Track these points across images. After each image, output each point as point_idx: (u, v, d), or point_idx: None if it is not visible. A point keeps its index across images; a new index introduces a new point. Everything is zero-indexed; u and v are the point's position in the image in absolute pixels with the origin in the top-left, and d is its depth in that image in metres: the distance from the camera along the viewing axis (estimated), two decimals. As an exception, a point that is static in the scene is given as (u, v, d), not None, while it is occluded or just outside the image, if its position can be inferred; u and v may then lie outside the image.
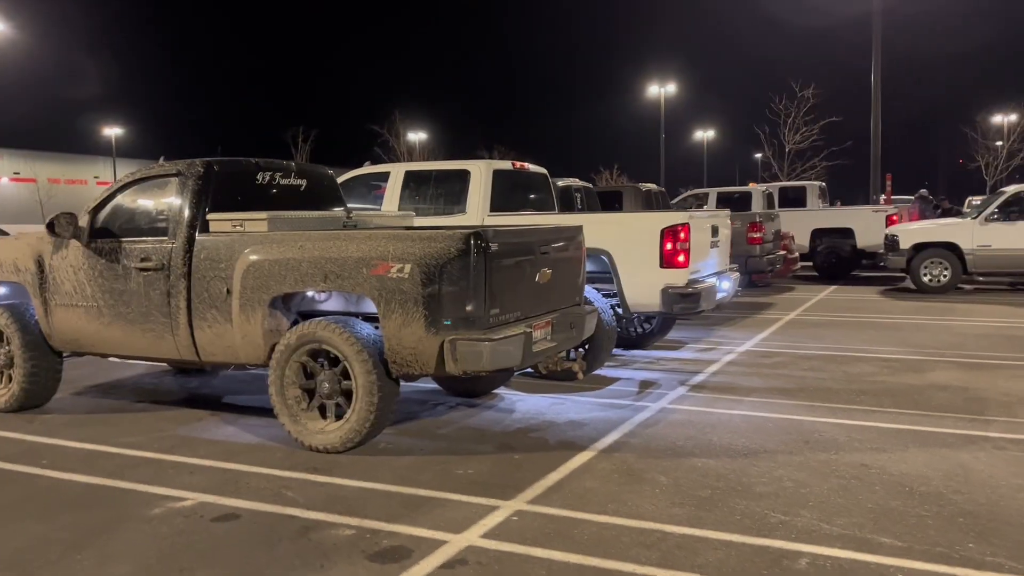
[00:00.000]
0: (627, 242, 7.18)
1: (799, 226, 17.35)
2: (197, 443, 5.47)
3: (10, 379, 6.41)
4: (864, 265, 18.34)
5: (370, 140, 46.83)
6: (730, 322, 10.90)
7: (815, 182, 21.04)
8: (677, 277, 7.06)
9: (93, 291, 5.99)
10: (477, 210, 8.00)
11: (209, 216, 5.69)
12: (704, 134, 73.33)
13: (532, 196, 9.00)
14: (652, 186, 14.77)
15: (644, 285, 7.12)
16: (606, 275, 7.29)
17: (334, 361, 5.19)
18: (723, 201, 18.81)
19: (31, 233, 6.46)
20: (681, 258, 7.05)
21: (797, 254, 16.59)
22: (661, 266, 7.06)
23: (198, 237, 5.64)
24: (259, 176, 6.20)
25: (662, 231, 7.04)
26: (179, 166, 5.89)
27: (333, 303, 5.80)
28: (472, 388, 6.65)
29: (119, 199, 6.11)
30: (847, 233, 17.22)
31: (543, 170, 9.22)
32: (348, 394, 5.16)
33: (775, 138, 30.95)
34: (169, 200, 5.88)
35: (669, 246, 7.03)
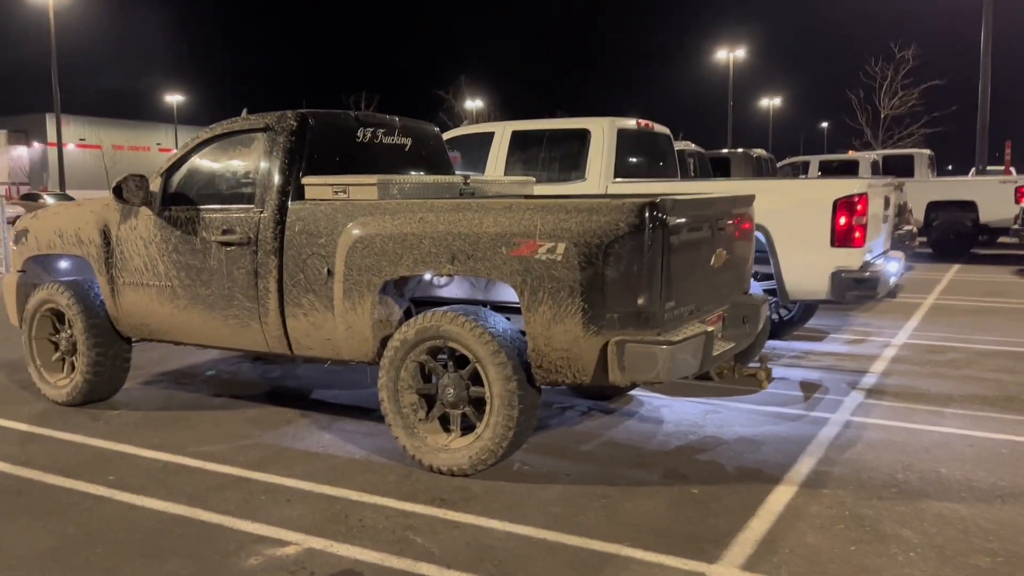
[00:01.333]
0: (789, 216, 5.98)
1: (911, 199, 15.78)
2: (290, 456, 4.50)
3: (72, 367, 5.54)
4: (981, 242, 16.71)
5: (434, 105, 45.80)
6: (863, 307, 9.59)
7: (923, 150, 19.28)
8: (851, 258, 5.85)
9: (166, 268, 5.05)
10: (599, 176, 6.86)
11: (305, 180, 4.67)
12: (770, 102, 70.48)
13: (657, 160, 7.81)
14: (762, 152, 13.41)
15: (809, 267, 5.93)
16: (760, 255, 6.10)
17: (460, 361, 4.16)
18: (825, 170, 17.29)
19: (96, 199, 5.54)
20: (857, 235, 5.83)
21: (916, 229, 15.08)
22: (832, 245, 5.84)
23: (291, 205, 4.63)
24: (359, 133, 5.15)
25: (835, 203, 5.82)
26: (267, 119, 4.86)
27: (453, 289, 4.75)
28: (603, 388, 5.58)
29: (196, 160, 5.13)
30: (968, 207, 15.61)
31: (667, 130, 8.02)
32: (478, 403, 4.13)
33: (869, 104, 28.90)
34: (255, 161, 4.87)
35: (843, 220, 5.81)
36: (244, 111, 5.31)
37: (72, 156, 58.85)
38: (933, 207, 15.98)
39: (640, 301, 3.75)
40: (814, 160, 17.14)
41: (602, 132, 6.98)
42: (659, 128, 7.82)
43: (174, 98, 72.88)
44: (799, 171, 17.65)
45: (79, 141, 63.23)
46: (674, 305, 3.92)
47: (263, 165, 4.79)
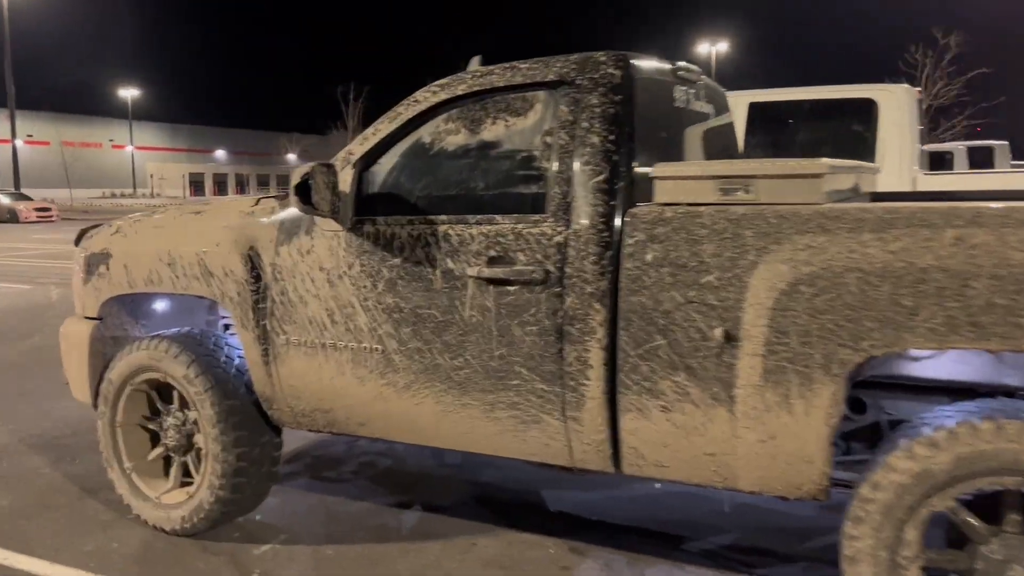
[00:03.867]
0: None
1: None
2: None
3: (185, 472, 3.50)
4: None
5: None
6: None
7: (1002, 141, 17.87)
8: None
9: (373, 320, 3.02)
10: (899, 164, 4.92)
11: (658, 169, 2.67)
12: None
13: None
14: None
15: None
16: None
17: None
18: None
19: (228, 204, 3.47)
20: None
21: None
22: None
23: (629, 215, 2.63)
24: (677, 94, 3.16)
25: None
26: (559, 68, 2.86)
27: (946, 364, 2.73)
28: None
29: (415, 141, 3.09)
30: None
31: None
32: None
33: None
34: (538, 138, 2.86)
35: None
36: (474, 60, 3.29)
37: (22, 153, 55.38)
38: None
39: None
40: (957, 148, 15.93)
41: (897, 104, 5.05)
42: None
43: (128, 92, 69.52)
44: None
45: (27, 137, 59.59)
46: None
47: (559, 144, 2.78)
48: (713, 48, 46.52)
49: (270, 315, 3.23)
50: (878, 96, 5.17)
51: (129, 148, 71.19)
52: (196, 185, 75.91)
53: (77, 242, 3.84)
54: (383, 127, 3.13)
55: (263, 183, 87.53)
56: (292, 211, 3.22)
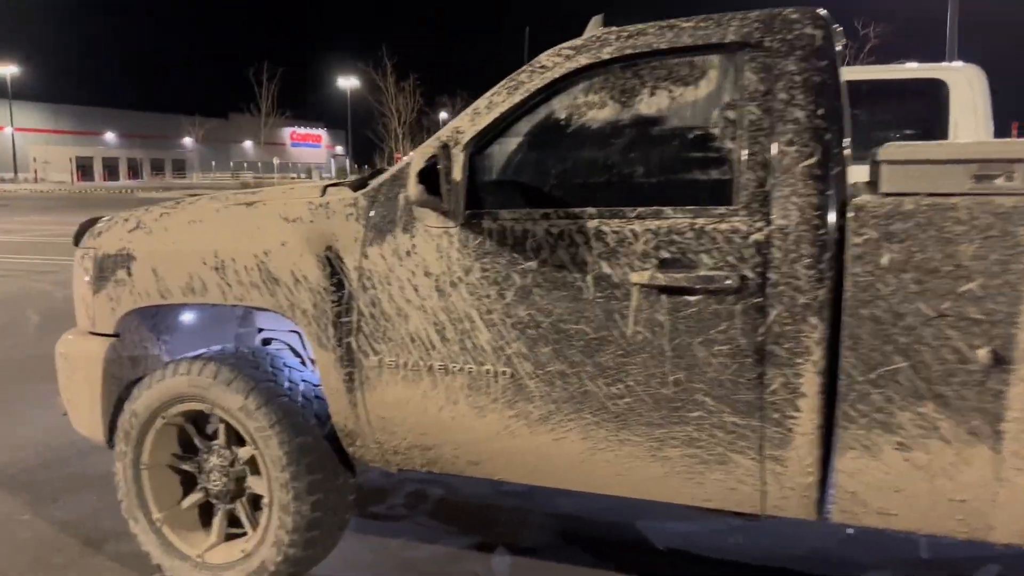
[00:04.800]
0: None
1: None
2: None
3: (232, 523, 2.84)
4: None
5: (362, 77, 42.01)
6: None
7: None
8: None
9: (499, 337, 2.43)
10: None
11: (885, 151, 2.17)
12: None
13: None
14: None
15: None
16: None
17: None
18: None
19: (287, 195, 2.80)
20: None
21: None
22: None
23: (848, 211, 2.12)
24: (840, 56, 2.67)
25: None
26: (736, 27, 2.32)
27: None
28: None
29: (543, 118, 2.51)
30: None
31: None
32: None
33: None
34: (710, 114, 2.33)
35: None
36: (595, 20, 2.74)
37: None
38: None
39: None
40: None
41: (968, 85, 4.71)
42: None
43: (7, 69, 65.06)
44: None
45: None
46: None
47: (749, 120, 2.26)
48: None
49: (356, 331, 2.60)
50: (948, 76, 4.83)
51: (8, 130, 66.54)
52: (84, 170, 71.45)
53: (77, 240, 3.10)
54: (500, 100, 2.53)
55: (157, 168, 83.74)
56: (383, 202, 2.59)
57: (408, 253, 2.54)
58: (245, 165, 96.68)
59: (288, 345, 3.26)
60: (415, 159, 2.32)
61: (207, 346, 3.22)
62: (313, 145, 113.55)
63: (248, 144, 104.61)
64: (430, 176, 2.31)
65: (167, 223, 2.89)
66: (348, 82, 70.59)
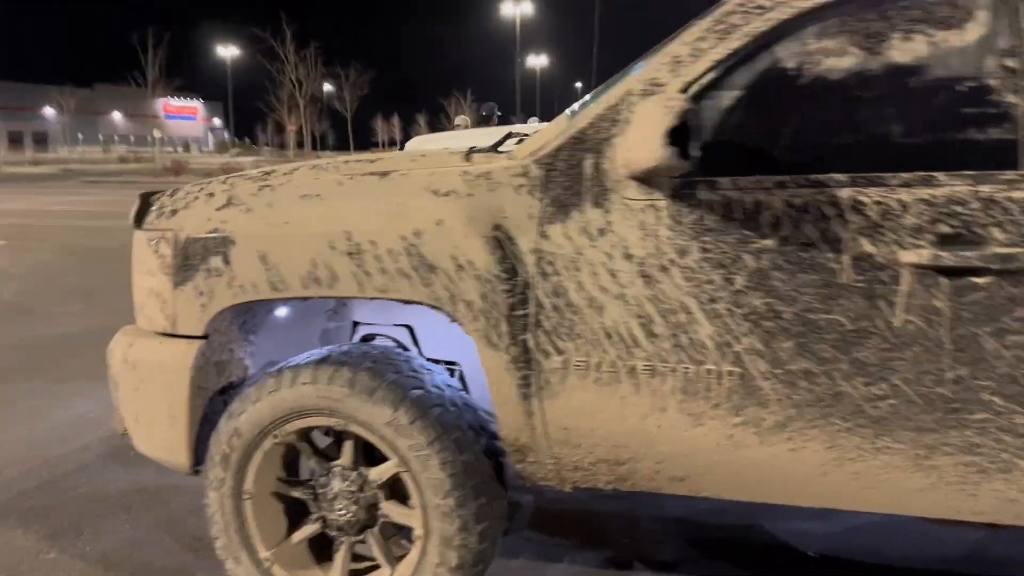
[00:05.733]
0: None
1: None
2: None
3: (349, 555, 2.36)
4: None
5: (248, 46, 40.19)
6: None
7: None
8: None
9: (725, 331, 2.03)
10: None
11: None
12: (538, 58, 69.38)
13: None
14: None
15: None
16: None
17: None
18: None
19: (428, 161, 2.29)
20: None
21: None
22: None
23: None
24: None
25: None
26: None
27: None
28: None
29: (765, 68, 2.11)
30: None
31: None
32: None
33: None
34: (983, 62, 1.99)
35: None
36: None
37: None
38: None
39: None
40: None
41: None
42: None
43: None
44: None
45: None
46: None
47: (1041, 72, 1.91)
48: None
49: (535, 326, 2.14)
50: None
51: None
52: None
53: (139, 219, 2.50)
54: (708, 47, 2.11)
55: (15, 140, 78.72)
56: (564, 170, 2.14)
57: (602, 232, 2.10)
58: (116, 138, 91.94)
59: (395, 340, 2.76)
60: (653, 114, 1.87)
61: (291, 346, 2.70)
62: (188, 118, 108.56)
63: (117, 116, 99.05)
64: (681, 135, 1.87)
65: (271, 198, 2.34)
66: (228, 51, 67.72)
